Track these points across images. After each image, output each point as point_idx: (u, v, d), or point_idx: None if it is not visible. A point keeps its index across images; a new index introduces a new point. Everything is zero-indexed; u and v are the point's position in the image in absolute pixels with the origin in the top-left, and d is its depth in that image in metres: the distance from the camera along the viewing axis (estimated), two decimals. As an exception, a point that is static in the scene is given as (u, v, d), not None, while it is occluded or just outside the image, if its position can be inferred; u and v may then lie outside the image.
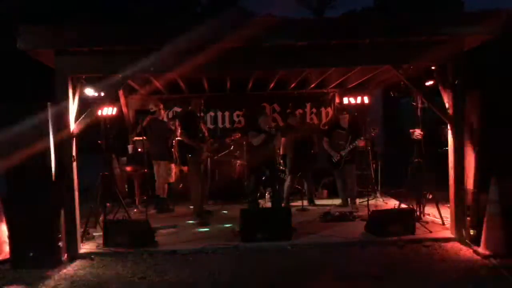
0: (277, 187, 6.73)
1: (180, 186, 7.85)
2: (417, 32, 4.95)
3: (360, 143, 6.83)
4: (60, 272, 4.51)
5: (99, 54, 4.99)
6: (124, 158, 8.16)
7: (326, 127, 8.71)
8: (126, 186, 8.08)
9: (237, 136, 7.89)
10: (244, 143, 7.74)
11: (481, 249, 4.65)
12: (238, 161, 8.04)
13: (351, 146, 6.84)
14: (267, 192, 7.14)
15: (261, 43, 4.93)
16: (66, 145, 4.95)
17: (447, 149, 5.40)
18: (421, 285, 3.95)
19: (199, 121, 6.84)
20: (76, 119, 5.10)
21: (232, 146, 8.00)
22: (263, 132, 6.41)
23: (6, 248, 4.84)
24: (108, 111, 6.42)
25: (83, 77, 5.27)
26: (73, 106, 5.07)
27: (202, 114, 6.98)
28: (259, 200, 7.05)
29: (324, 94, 8.91)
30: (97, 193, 5.88)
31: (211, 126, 8.69)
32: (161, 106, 7.52)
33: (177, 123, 7.15)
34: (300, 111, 8.84)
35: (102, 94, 5.34)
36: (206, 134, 7.10)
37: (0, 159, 4.64)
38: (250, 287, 4.06)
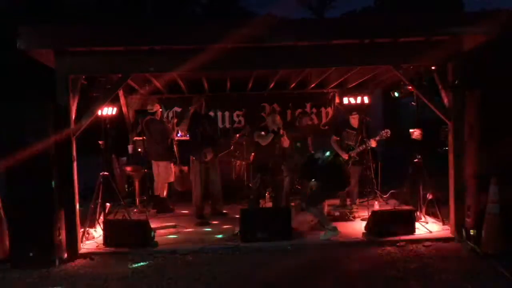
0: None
1: (180, 186, 7.84)
2: (417, 32, 4.95)
3: (372, 144, 6.74)
4: (60, 272, 4.51)
5: (99, 54, 4.99)
6: (124, 158, 8.15)
7: (327, 127, 8.70)
8: (126, 186, 8.08)
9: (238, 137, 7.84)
10: (244, 143, 7.73)
11: (481, 249, 4.65)
12: (238, 161, 8.04)
13: (361, 148, 6.75)
14: (267, 192, 7.12)
15: (261, 43, 4.93)
16: (66, 145, 4.96)
17: (447, 149, 5.40)
18: (421, 285, 3.95)
19: (204, 121, 6.78)
20: (76, 119, 5.10)
21: (232, 146, 7.99)
22: (271, 132, 6.37)
23: (6, 248, 4.84)
24: (108, 111, 6.42)
25: (83, 77, 5.27)
26: (73, 106, 5.07)
27: (203, 112, 6.90)
28: (259, 200, 7.03)
29: (324, 94, 8.90)
30: (97, 193, 5.87)
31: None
32: (158, 106, 7.50)
33: (175, 122, 7.06)
34: (300, 111, 8.84)
35: (102, 94, 5.34)
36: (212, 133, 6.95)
37: (0, 159, 4.64)
38: (250, 287, 4.06)
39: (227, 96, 8.70)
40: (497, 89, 5.02)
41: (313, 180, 5.77)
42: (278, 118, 6.58)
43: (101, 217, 5.86)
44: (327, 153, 5.66)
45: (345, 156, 6.79)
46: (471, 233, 4.92)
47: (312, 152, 7.26)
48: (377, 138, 6.65)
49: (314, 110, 8.97)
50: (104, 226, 5.36)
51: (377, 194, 7.60)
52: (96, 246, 5.22)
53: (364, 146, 6.66)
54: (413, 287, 3.93)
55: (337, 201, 7.01)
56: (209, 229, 6.04)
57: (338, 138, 6.96)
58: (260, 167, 6.51)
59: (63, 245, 4.83)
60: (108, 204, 6.24)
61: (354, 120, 6.88)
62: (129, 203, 7.43)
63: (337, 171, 5.66)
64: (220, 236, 5.63)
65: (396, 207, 6.56)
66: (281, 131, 6.39)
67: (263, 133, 6.39)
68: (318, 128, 8.72)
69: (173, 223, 6.30)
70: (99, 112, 6.11)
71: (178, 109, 8.72)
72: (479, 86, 5.02)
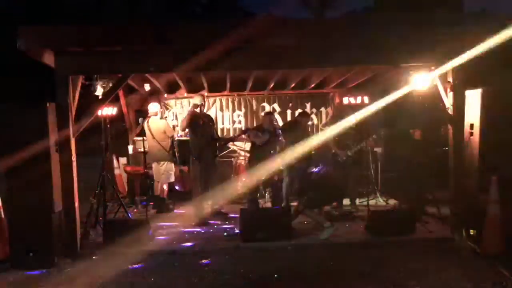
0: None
1: (180, 186, 7.84)
2: (417, 32, 4.95)
3: (371, 143, 6.73)
4: (60, 272, 4.51)
5: (99, 54, 4.99)
6: (124, 158, 8.15)
7: (327, 127, 8.68)
8: (126, 186, 8.08)
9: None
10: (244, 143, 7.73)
11: (481, 249, 4.65)
12: (238, 161, 8.03)
13: (358, 147, 6.74)
14: (267, 192, 7.12)
15: (261, 43, 4.93)
16: (66, 145, 4.96)
17: (447, 149, 5.40)
18: (421, 285, 3.95)
19: (204, 121, 6.75)
20: (76, 119, 5.10)
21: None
22: (266, 132, 6.38)
23: (6, 248, 4.84)
24: (108, 111, 6.42)
25: (83, 77, 5.27)
26: (73, 106, 5.07)
27: (203, 112, 6.87)
28: (259, 200, 7.04)
29: (324, 94, 8.91)
30: (96, 193, 5.87)
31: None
32: (159, 106, 7.41)
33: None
34: (300, 111, 8.83)
35: (102, 94, 5.34)
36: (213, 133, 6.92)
37: (0, 158, 4.64)
38: (250, 287, 4.06)
39: (227, 96, 8.70)
40: (497, 88, 5.02)
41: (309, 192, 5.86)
42: (275, 118, 6.58)
43: (101, 217, 5.86)
44: (320, 167, 5.77)
45: (343, 156, 6.80)
46: (471, 233, 4.92)
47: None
48: (375, 137, 6.66)
49: (314, 110, 8.98)
50: (104, 226, 5.36)
51: (377, 194, 7.62)
52: (96, 246, 5.22)
53: (362, 145, 6.68)
54: (413, 287, 3.93)
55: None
56: (209, 229, 6.04)
57: (337, 138, 6.96)
58: (257, 167, 6.51)
59: (63, 245, 4.82)
60: (108, 204, 6.24)
61: (350, 118, 6.88)
62: (129, 203, 7.44)
63: (329, 184, 5.76)
64: (220, 236, 5.63)
65: (396, 207, 6.56)
66: (279, 131, 6.40)
67: (259, 133, 6.40)
68: (318, 128, 8.71)
69: (173, 223, 6.30)
70: (99, 112, 6.11)
71: (178, 109, 8.72)
72: (479, 86, 5.02)
